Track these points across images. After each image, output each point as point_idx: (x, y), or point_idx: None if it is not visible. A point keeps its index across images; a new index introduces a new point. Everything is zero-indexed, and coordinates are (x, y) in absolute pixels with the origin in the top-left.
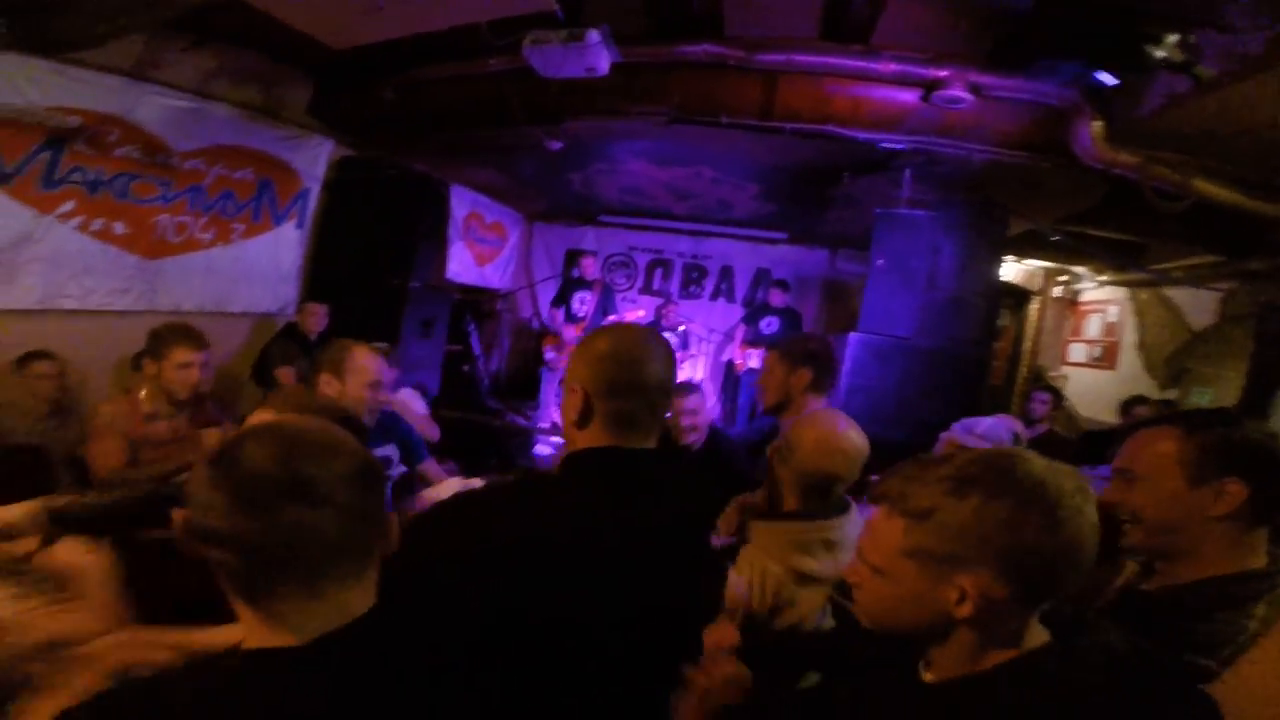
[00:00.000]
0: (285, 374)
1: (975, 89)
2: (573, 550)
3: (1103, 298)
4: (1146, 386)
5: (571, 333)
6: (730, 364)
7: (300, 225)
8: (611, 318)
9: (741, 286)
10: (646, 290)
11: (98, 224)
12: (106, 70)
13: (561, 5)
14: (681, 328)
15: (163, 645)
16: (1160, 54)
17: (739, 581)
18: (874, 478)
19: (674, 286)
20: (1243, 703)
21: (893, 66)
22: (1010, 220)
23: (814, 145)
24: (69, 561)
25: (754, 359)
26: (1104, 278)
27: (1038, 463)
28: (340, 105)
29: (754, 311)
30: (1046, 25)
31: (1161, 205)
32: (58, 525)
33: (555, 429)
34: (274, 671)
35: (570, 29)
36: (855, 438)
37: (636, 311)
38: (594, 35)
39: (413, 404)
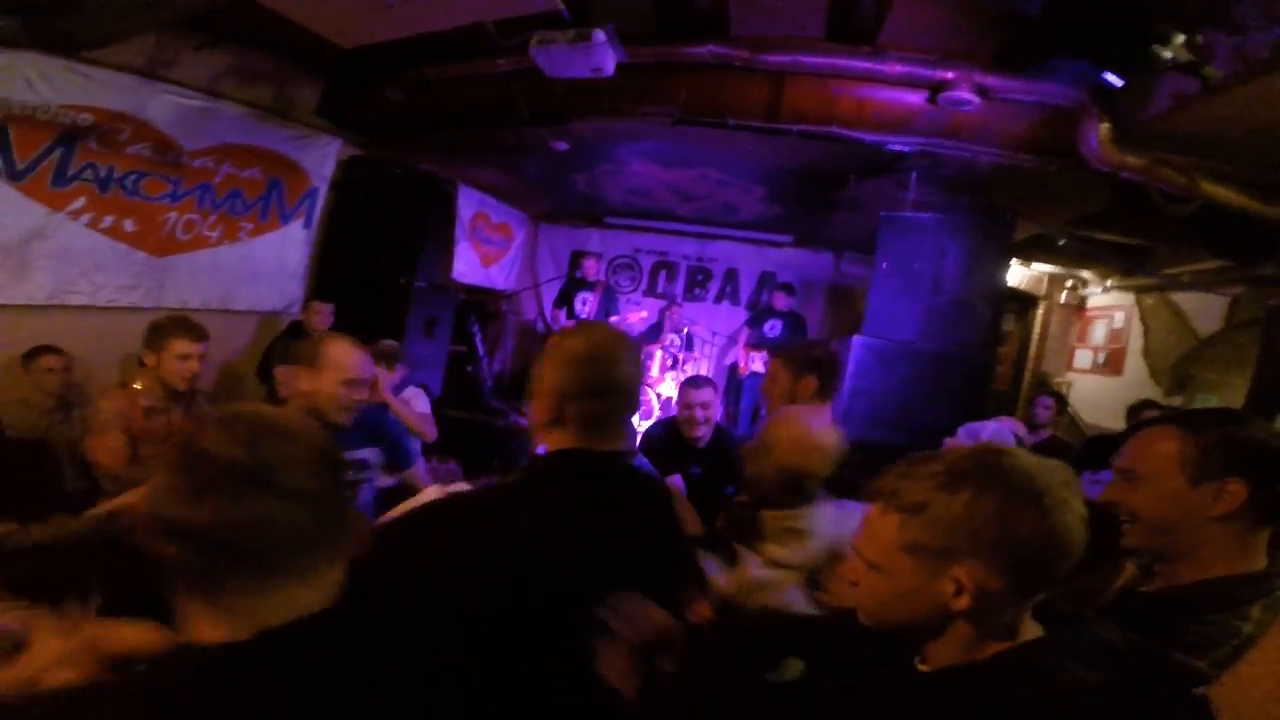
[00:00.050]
0: (282, 372)
1: (981, 90)
2: (548, 555)
3: (1109, 303)
4: (1152, 393)
5: None
6: (734, 367)
7: (308, 224)
8: (614, 319)
9: (746, 289)
10: (651, 292)
11: (108, 221)
12: (119, 69)
13: (568, 5)
14: (685, 330)
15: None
16: (1168, 54)
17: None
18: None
19: (678, 289)
20: (1241, 705)
21: (899, 68)
22: (1017, 224)
23: (820, 147)
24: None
25: (757, 362)
26: (1110, 283)
27: (1025, 458)
28: (348, 105)
29: (758, 314)
30: (1054, 26)
31: (1169, 209)
32: None
33: None
34: (211, 668)
35: (577, 29)
36: (828, 436)
37: (639, 313)
38: (600, 35)
39: (415, 402)
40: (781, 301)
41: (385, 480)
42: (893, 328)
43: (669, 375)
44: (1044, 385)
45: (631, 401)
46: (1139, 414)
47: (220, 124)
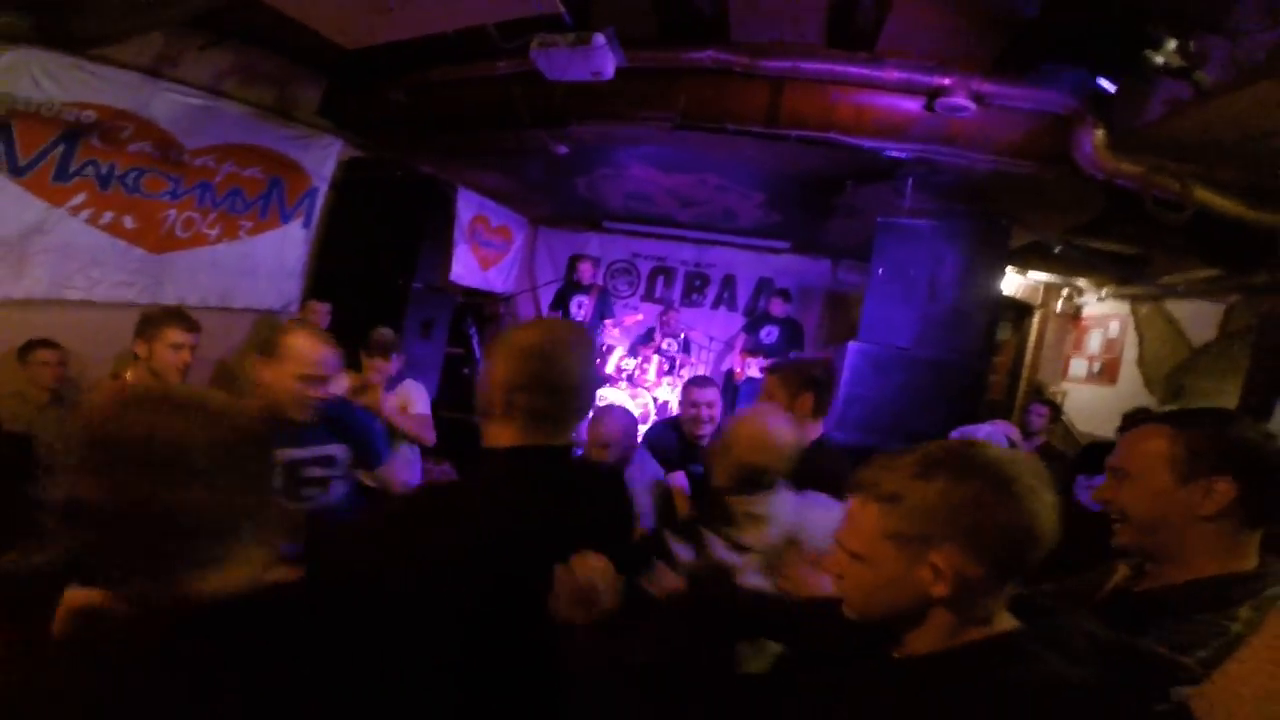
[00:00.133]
0: (251, 362)
1: (978, 97)
2: (504, 554)
3: (1104, 312)
4: (1146, 402)
5: None
6: (730, 373)
7: (307, 224)
8: (609, 322)
9: (743, 295)
10: (648, 297)
11: (107, 217)
12: (124, 67)
13: (569, 9)
14: (682, 335)
15: None
16: (1161, 59)
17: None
18: None
19: (676, 294)
20: (1232, 703)
21: (896, 74)
22: (1013, 232)
23: (819, 153)
24: None
25: (753, 368)
26: (1106, 292)
27: (995, 450)
28: (350, 106)
29: (755, 320)
30: (1051, 30)
31: (1163, 216)
32: None
33: None
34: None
35: (577, 32)
36: (784, 434)
37: (634, 316)
38: (600, 38)
39: (416, 399)
40: (778, 308)
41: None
42: (888, 334)
43: (665, 380)
44: (1039, 394)
45: (582, 398)
46: (1133, 423)
47: (222, 123)
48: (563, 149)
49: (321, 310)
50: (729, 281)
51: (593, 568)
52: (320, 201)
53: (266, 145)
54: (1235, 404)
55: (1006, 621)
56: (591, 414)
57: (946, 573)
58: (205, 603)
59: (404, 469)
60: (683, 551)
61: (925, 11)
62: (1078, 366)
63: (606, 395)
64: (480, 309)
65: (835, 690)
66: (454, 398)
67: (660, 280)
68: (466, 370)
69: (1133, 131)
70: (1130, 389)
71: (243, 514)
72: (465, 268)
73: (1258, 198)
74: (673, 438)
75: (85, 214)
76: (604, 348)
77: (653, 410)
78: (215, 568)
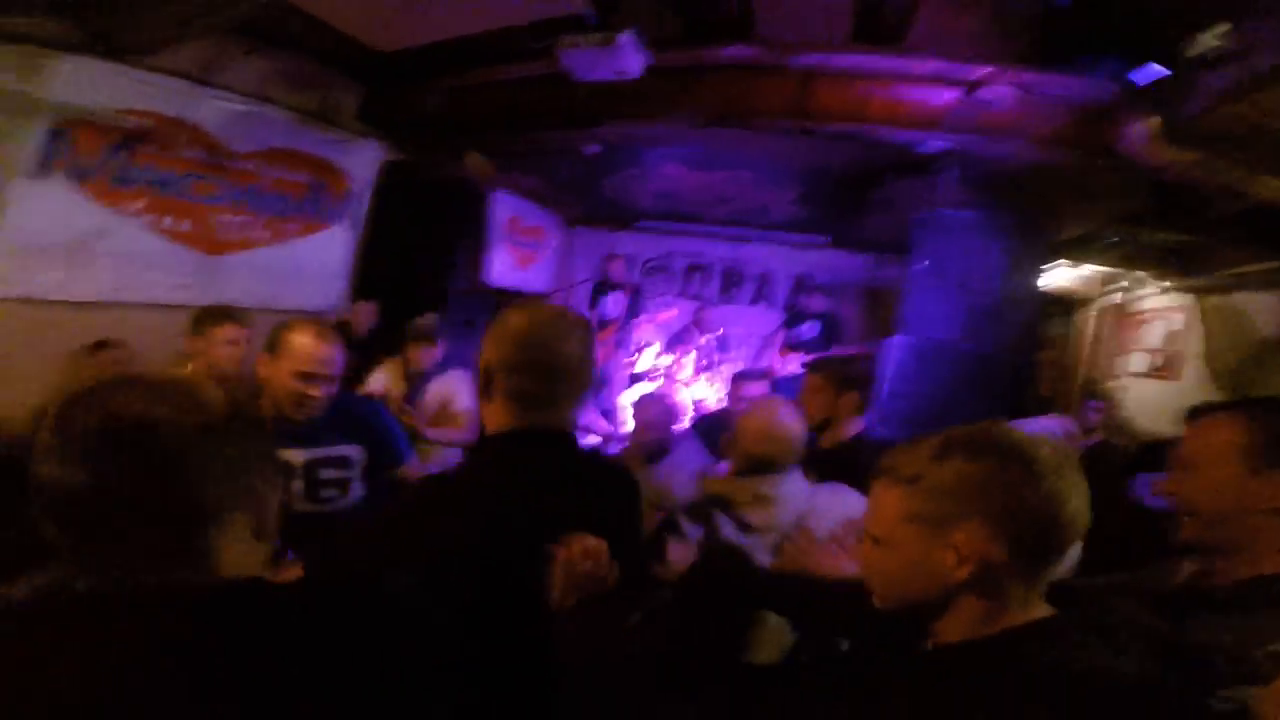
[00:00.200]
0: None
1: (1017, 86)
2: (483, 543)
3: (1163, 305)
4: (1211, 398)
5: (602, 335)
6: (768, 369)
7: (350, 226)
8: (642, 318)
9: (780, 291)
10: (684, 294)
11: (166, 222)
12: (172, 74)
13: (595, 9)
14: (720, 332)
15: None
16: (1212, 44)
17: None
18: None
19: (712, 291)
20: None
21: (929, 65)
22: (1057, 224)
23: (852, 147)
24: None
25: (792, 363)
26: (1164, 284)
27: (1018, 432)
28: (388, 110)
29: (793, 316)
30: (1089, 19)
31: (1220, 205)
32: None
33: (587, 428)
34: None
35: (602, 32)
36: (791, 425)
37: (670, 312)
38: (625, 38)
39: (461, 391)
40: (816, 303)
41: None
42: (930, 329)
43: (703, 377)
44: (1093, 390)
45: (572, 380)
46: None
47: (267, 128)
48: (593, 149)
49: (368, 310)
50: (765, 278)
51: (586, 547)
52: (362, 204)
53: (309, 150)
54: None
55: (1042, 609)
56: (637, 401)
57: (968, 554)
58: (186, 591)
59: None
60: (693, 531)
61: (954, 8)
62: (1136, 361)
63: (639, 391)
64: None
65: (861, 681)
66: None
67: (696, 277)
68: None
69: (1183, 120)
70: (1194, 384)
71: (224, 503)
72: (503, 267)
73: None
74: (714, 426)
75: (146, 219)
76: (639, 344)
77: (690, 408)
78: (199, 559)
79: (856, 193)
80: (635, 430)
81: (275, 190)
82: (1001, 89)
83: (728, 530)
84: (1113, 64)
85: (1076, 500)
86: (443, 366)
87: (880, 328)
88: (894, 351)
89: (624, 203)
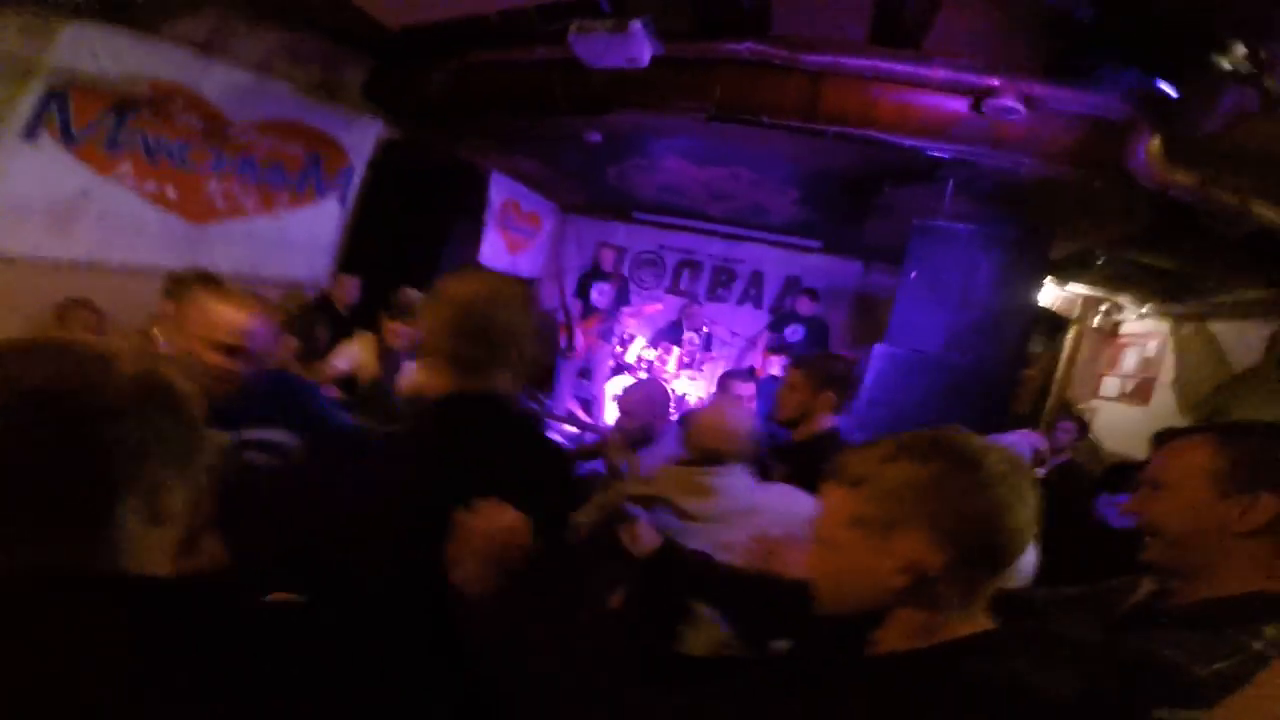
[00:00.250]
0: (287, 342)
1: (1028, 99)
2: (406, 503)
3: (1143, 330)
4: (1178, 425)
5: (587, 324)
6: (752, 370)
7: (342, 201)
8: (627, 309)
9: (770, 293)
10: (674, 290)
11: (151, 187)
12: (178, 42)
13: None
14: (705, 329)
15: None
16: (1227, 65)
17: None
18: None
19: (701, 288)
20: None
21: (943, 73)
22: (1054, 242)
23: (856, 151)
24: None
25: (775, 366)
26: (1147, 309)
27: (974, 438)
28: (393, 89)
29: (780, 318)
30: (1107, 33)
31: (1217, 230)
32: None
33: (569, 417)
34: None
35: (614, 18)
36: (739, 425)
37: (655, 305)
38: (637, 25)
39: None
40: (805, 307)
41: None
42: (917, 339)
43: (685, 373)
44: (1067, 410)
45: (509, 347)
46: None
47: (269, 100)
48: (596, 136)
49: (351, 284)
50: (756, 278)
51: (496, 515)
52: (357, 180)
53: (309, 123)
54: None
55: (982, 621)
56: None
57: (906, 563)
58: (93, 577)
59: None
60: (643, 516)
61: (974, 13)
62: (1110, 384)
63: (622, 383)
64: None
65: (794, 688)
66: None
67: (686, 273)
68: None
69: (1192, 140)
70: (1163, 411)
71: (124, 486)
72: (494, 251)
73: None
74: None
75: (130, 182)
76: (623, 336)
77: (672, 402)
78: (96, 544)
79: (856, 198)
80: (621, 417)
81: (269, 161)
82: (1011, 101)
83: (663, 516)
84: (1130, 78)
85: (1023, 511)
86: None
87: (869, 335)
88: (877, 360)
89: (622, 193)
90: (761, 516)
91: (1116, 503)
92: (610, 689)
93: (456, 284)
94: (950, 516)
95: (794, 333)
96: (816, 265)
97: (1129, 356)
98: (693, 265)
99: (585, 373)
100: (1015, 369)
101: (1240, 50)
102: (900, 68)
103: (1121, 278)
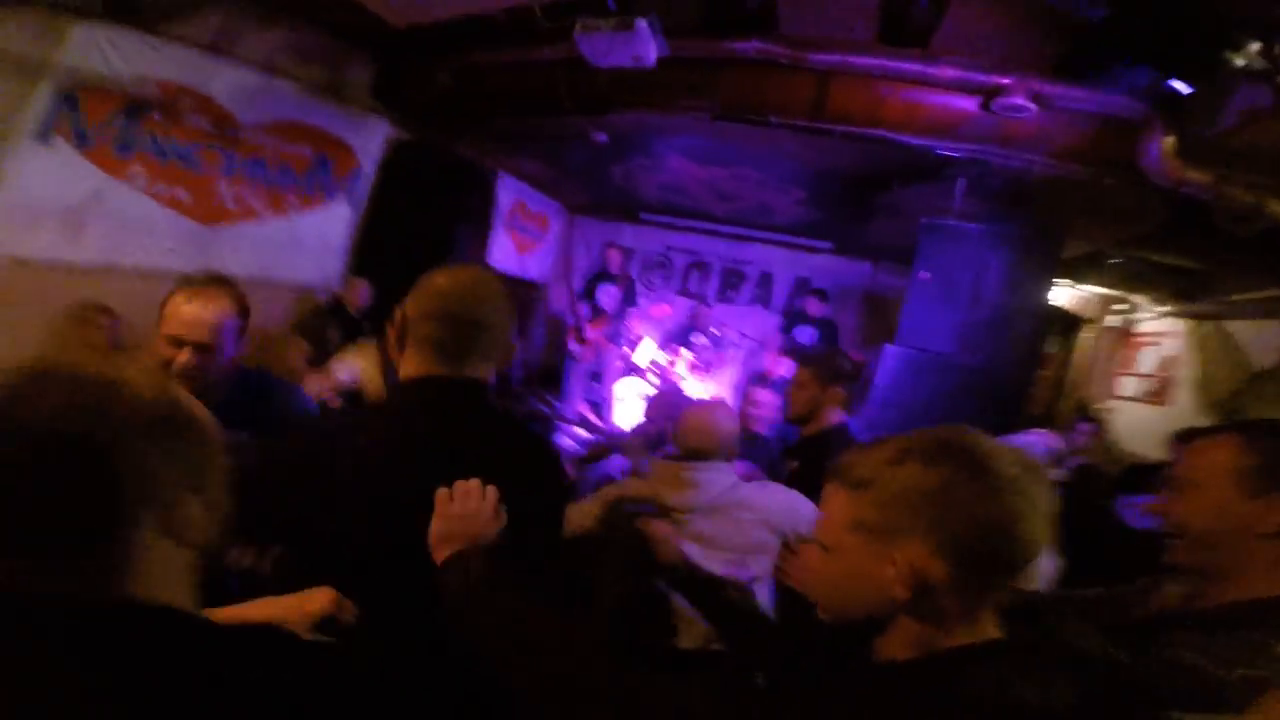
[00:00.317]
0: (298, 345)
1: (1038, 98)
2: (377, 472)
3: (1160, 329)
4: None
5: (595, 326)
6: (762, 371)
7: (352, 203)
8: (634, 311)
9: (780, 294)
10: (682, 292)
11: (162, 189)
12: (186, 43)
13: None
14: (714, 331)
15: None
16: (1240, 62)
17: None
18: None
19: (710, 290)
20: None
21: (951, 72)
22: (1066, 241)
23: (863, 150)
24: None
25: (786, 367)
26: (1164, 308)
27: (989, 441)
28: (399, 88)
29: (790, 320)
30: (1118, 32)
31: (1232, 229)
32: None
33: (579, 419)
34: None
35: (620, 16)
36: (723, 425)
37: (662, 308)
38: (642, 23)
39: None
40: (815, 308)
41: None
42: (927, 339)
43: (695, 376)
44: (1084, 410)
45: (484, 335)
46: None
47: (277, 101)
48: (602, 137)
49: (362, 286)
50: (765, 279)
51: (474, 496)
52: (365, 182)
53: (317, 124)
54: None
55: (988, 630)
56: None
57: (906, 572)
58: (73, 606)
59: None
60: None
61: (983, 12)
62: (1127, 384)
63: (633, 386)
64: (515, 295)
65: (787, 693)
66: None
67: (695, 275)
68: None
69: (1205, 139)
70: (1184, 410)
71: (135, 510)
72: (502, 252)
73: None
74: None
75: (142, 184)
76: (631, 338)
77: None
78: (107, 568)
79: (862, 197)
80: (644, 420)
81: (279, 162)
82: (1022, 99)
83: (645, 510)
84: (1142, 76)
85: (1034, 518)
86: None
87: (880, 335)
88: (888, 361)
89: (627, 194)
90: (742, 510)
91: (1137, 504)
92: (605, 679)
93: (438, 276)
94: (957, 524)
95: (804, 334)
96: (825, 265)
97: (1146, 356)
98: (701, 267)
99: (596, 375)
100: (1028, 369)
101: (1254, 47)
102: (908, 67)
103: (1136, 277)
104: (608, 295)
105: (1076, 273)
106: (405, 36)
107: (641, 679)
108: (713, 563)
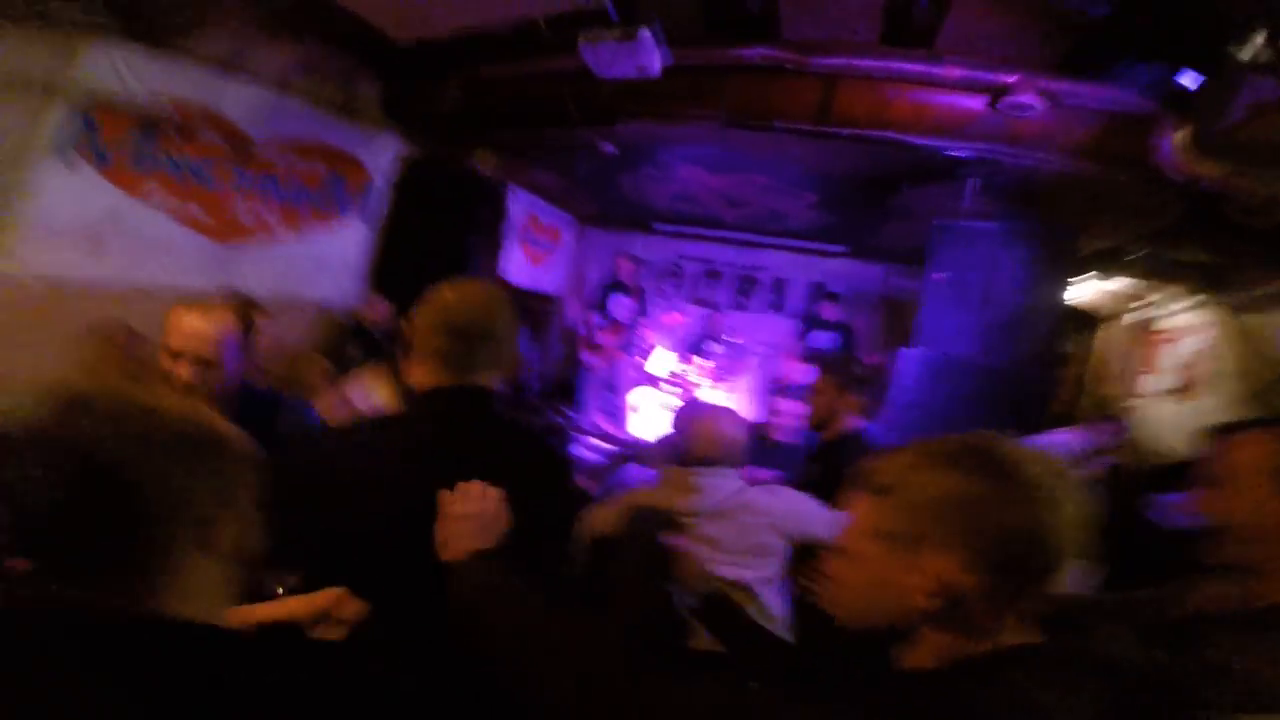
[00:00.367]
0: (318, 364)
1: (1046, 95)
2: (393, 475)
3: (1182, 324)
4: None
5: (609, 337)
6: (780, 378)
7: (367, 220)
8: (646, 321)
9: (794, 300)
10: (696, 300)
11: (178, 207)
12: (197, 61)
13: (615, 4)
14: (730, 339)
15: None
16: (1247, 55)
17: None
18: None
19: (724, 297)
20: None
21: (957, 71)
22: (1081, 238)
23: (872, 153)
24: None
25: (803, 373)
26: (1184, 303)
27: (1013, 445)
28: (408, 104)
29: (806, 325)
30: (1124, 28)
31: (1248, 221)
32: None
33: (595, 429)
34: None
35: (623, 27)
36: (729, 433)
37: (675, 317)
38: (646, 34)
39: None
40: (830, 312)
41: None
42: (945, 341)
43: (711, 385)
44: (1107, 409)
45: (489, 346)
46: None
47: (288, 118)
48: (611, 148)
49: (380, 303)
50: (779, 285)
51: (477, 493)
52: (379, 198)
53: (328, 141)
54: None
55: (1019, 635)
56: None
57: (933, 583)
58: (109, 616)
59: None
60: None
61: (984, 12)
62: (1151, 381)
63: (648, 397)
64: (529, 308)
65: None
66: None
67: (708, 283)
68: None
69: (1215, 133)
70: (1214, 405)
71: (174, 527)
72: (515, 265)
73: None
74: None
75: (158, 203)
76: (645, 348)
77: None
78: (146, 578)
79: (875, 199)
80: (670, 432)
81: (293, 181)
82: (1029, 97)
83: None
84: (1149, 72)
85: (1068, 525)
86: None
87: (896, 338)
88: (905, 364)
89: (637, 204)
90: (747, 514)
91: (1169, 503)
92: (622, 679)
93: (443, 290)
94: (985, 533)
95: (820, 339)
96: (839, 270)
97: (1169, 352)
98: (714, 274)
99: (610, 385)
100: (1048, 368)
101: (1258, 40)
102: (913, 67)
103: (1156, 272)
104: (620, 305)
105: (1094, 270)
106: (412, 53)
107: (660, 679)
108: (718, 565)
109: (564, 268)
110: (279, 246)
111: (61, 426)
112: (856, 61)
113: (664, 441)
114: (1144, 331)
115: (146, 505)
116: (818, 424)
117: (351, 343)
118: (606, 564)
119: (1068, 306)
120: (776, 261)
